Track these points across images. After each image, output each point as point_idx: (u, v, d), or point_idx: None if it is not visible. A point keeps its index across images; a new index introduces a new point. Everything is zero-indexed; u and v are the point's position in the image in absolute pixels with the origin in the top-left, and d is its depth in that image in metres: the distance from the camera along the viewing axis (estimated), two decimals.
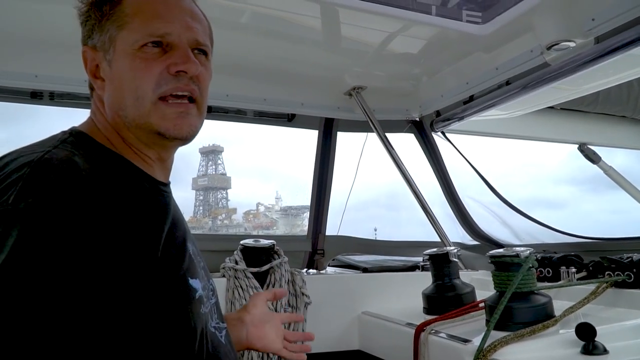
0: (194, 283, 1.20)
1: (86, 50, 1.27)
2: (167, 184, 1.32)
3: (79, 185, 0.99)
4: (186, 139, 1.24)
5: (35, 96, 2.65)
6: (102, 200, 1.01)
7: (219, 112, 2.92)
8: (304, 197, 3.37)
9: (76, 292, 0.91)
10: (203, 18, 1.33)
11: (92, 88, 1.30)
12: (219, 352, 1.27)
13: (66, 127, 1.23)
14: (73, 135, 1.18)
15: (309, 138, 3.33)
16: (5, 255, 0.85)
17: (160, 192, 1.26)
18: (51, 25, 2.23)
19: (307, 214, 3.34)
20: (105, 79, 1.23)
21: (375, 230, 3.63)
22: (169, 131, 1.20)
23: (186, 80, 1.20)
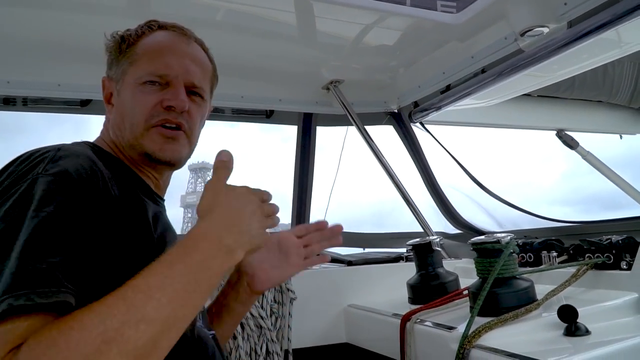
0: None
1: (104, 80, 1.47)
2: (162, 199, 1.48)
3: (93, 163, 1.16)
4: (169, 162, 1.40)
5: (8, 102, 2.62)
6: (113, 180, 1.20)
7: None
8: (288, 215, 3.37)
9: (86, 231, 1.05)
10: (206, 63, 1.50)
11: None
12: (206, 343, 1.37)
13: (56, 135, 1.32)
14: (86, 143, 1.35)
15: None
16: (42, 191, 1.02)
17: (156, 201, 1.41)
18: (23, 30, 2.20)
19: None
20: (115, 105, 1.42)
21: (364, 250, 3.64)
22: (155, 153, 1.36)
23: (175, 115, 1.37)
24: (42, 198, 1.00)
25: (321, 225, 1.71)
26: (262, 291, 1.73)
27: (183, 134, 1.40)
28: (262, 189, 1.27)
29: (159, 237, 1.28)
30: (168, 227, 1.39)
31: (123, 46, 1.42)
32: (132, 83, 1.38)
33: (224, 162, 1.22)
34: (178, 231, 1.49)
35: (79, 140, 1.39)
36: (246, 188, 1.22)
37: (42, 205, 0.99)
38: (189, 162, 1.54)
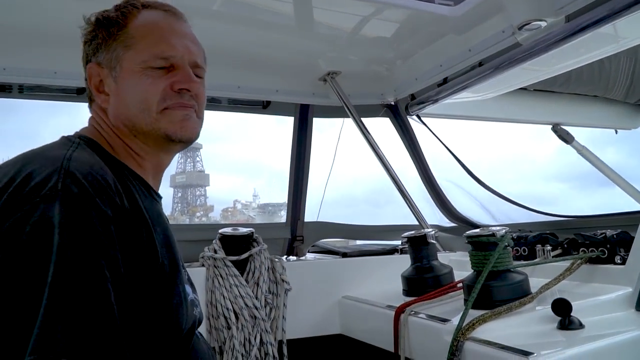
0: (187, 288, 1.36)
1: (92, 67, 1.39)
2: (160, 196, 1.44)
3: (106, 180, 1.13)
4: (190, 141, 1.38)
5: (4, 89, 2.60)
6: (122, 194, 1.17)
7: None
8: (283, 194, 3.37)
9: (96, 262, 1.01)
10: (198, 41, 1.47)
11: (91, 99, 1.43)
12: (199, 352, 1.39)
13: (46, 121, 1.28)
14: (83, 140, 1.31)
15: (289, 131, 3.32)
16: (59, 219, 0.99)
17: (155, 201, 1.39)
18: (19, 16, 2.18)
19: (285, 212, 3.34)
20: (110, 94, 1.36)
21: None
22: (176, 133, 1.34)
23: (188, 97, 1.35)
24: (64, 230, 0.98)
25: None
26: None
27: (194, 112, 1.39)
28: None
29: (164, 245, 1.27)
30: (166, 226, 1.36)
31: (113, 29, 1.35)
32: (134, 68, 1.32)
33: None
34: (168, 210, 1.49)
35: (71, 130, 1.36)
36: None
37: (65, 245, 0.97)
38: None
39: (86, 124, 1.44)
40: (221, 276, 2.46)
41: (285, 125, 3.32)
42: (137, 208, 1.22)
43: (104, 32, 1.36)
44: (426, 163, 3.38)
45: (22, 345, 0.89)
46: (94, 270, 0.99)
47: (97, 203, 1.05)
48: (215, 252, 2.54)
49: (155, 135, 1.34)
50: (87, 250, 0.99)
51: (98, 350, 0.93)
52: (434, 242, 2.54)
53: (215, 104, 3.02)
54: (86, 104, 1.49)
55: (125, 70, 1.33)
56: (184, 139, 1.37)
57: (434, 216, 3.40)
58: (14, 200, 1.02)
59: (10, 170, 1.10)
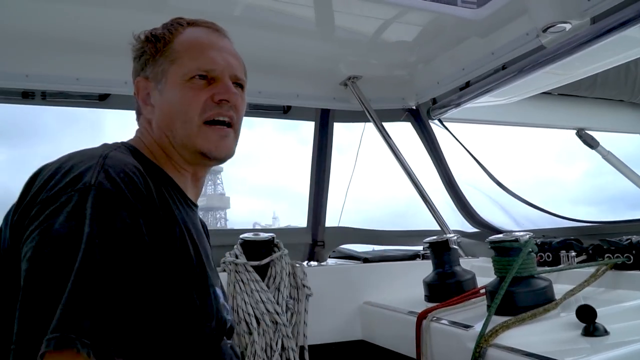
0: (217, 291, 1.42)
1: (140, 81, 1.47)
2: (196, 205, 1.51)
3: (139, 177, 1.19)
4: (224, 159, 1.46)
5: (27, 96, 2.63)
6: (154, 192, 1.23)
7: None
8: (303, 217, 3.36)
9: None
10: (239, 56, 1.53)
11: (138, 112, 1.52)
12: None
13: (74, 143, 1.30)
14: (125, 146, 1.38)
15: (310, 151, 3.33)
16: (91, 207, 1.05)
17: (191, 209, 1.46)
18: (41, 24, 2.22)
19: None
20: (155, 106, 1.44)
21: None
22: (211, 152, 1.40)
23: (227, 108, 1.41)
24: (94, 221, 1.03)
25: None
26: None
27: (232, 131, 1.45)
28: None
29: (193, 245, 1.33)
30: (199, 233, 1.44)
31: (159, 45, 1.43)
32: (177, 81, 1.39)
33: None
34: None
35: (100, 139, 1.41)
36: None
37: (95, 235, 1.02)
38: None
39: (106, 135, 1.50)
40: (242, 281, 2.45)
41: (307, 146, 3.32)
42: (168, 207, 1.28)
43: (151, 48, 1.44)
44: (448, 168, 3.36)
45: (42, 324, 0.94)
46: (119, 260, 1.03)
47: (128, 197, 1.11)
48: (237, 257, 2.53)
49: (192, 149, 1.40)
50: (115, 241, 1.04)
51: (118, 336, 0.98)
52: (456, 247, 2.51)
53: None
54: (106, 112, 1.54)
55: (170, 83, 1.40)
56: (218, 157, 1.43)
57: (456, 221, 3.37)
58: (53, 192, 1.08)
59: (54, 166, 1.17)
